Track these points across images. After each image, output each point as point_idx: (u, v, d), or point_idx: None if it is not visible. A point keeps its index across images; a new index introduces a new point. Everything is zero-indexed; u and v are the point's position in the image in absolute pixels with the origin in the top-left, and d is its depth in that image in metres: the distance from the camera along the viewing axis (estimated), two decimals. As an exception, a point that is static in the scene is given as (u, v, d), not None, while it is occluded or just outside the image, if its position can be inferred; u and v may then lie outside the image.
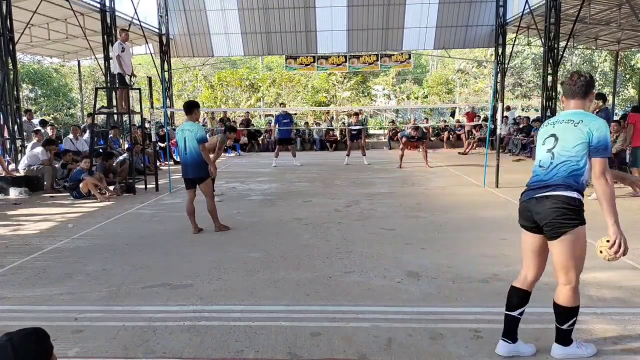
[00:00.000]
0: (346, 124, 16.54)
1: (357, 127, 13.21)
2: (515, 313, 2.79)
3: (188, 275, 4.20)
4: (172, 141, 14.99)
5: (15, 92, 9.96)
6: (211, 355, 2.85)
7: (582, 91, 2.79)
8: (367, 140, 18.70)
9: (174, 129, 16.97)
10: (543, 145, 2.78)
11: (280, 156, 12.95)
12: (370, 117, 25.05)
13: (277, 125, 13.55)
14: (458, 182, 9.36)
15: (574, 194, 2.75)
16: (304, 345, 2.93)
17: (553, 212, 2.65)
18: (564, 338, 2.71)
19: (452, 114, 24.56)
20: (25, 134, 10.47)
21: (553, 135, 2.73)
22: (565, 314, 2.68)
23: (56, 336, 3.09)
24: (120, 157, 10.19)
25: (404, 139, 11.85)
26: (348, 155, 13.06)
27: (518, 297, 2.80)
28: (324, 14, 18.39)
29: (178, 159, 14.45)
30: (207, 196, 5.69)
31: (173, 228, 5.99)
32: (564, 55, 17.77)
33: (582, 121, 2.64)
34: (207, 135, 5.56)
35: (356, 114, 14.01)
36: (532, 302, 3.51)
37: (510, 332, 2.79)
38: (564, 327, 2.70)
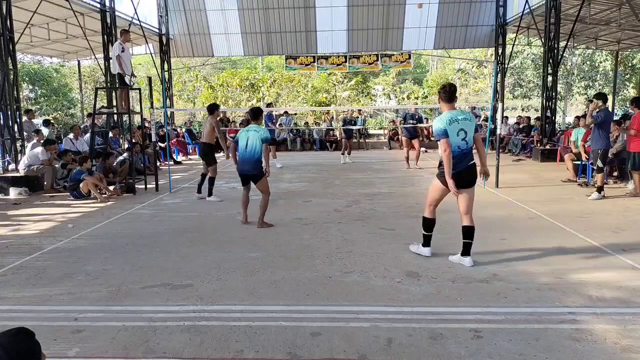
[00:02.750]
0: (341, 121, 16.61)
1: (351, 127, 13.25)
2: (432, 232, 4.63)
3: (188, 275, 4.20)
4: (172, 141, 15.02)
5: (15, 92, 9.95)
6: (211, 355, 2.85)
7: (455, 96, 4.44)
8: (367, 140, 18.77)
9: (174, 129, 17.03)
10: (457, 136, 4.26)
11: (278, 157, 12.99)
12: (370, 117, 25.04)
13: (270, 125, 13.57)
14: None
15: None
16: (304, 345, 2.93)
17: (475, 172, 4.37)
18: (468, 249, 4.38)
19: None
20: (25, 134, 10.46)
21: (462, 129, 4.27)
22: (473, 231, 4.35)
23: (56, 336, 3.09)
24: (120, 157, 10.19)
25: (404, 139, 11.88)
26: (343, 154, 13.10)
27: (434, 224, 4.60)
28: (324, 14, 18.40)
29: (178, 159, 14.66)
30: (264, 193, 6.02)
31: (173, 228, 5.99)
32: (564, 55, 17.78)
33: (469, 118, 4.35)
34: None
35: (359, 111, 14.08)
36: (532, 302, 3.52)
37: (429, 242, 4.63)
38: (472, 241, 4.37)
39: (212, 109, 7.79)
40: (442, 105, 4.43)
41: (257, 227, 5.93)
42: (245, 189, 6.15)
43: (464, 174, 4.26)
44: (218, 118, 8.19)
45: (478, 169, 4.40)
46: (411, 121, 11.86)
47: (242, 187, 6.22)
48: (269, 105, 18.70)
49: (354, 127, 13.30)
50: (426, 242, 4.63)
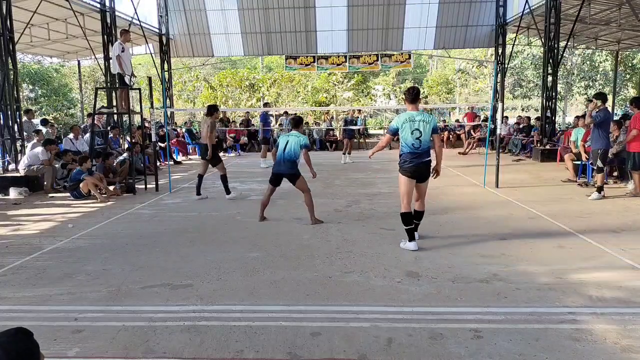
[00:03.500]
0: (341, 122, 16.58)
1: (352, 127, 13.21)
2: (412, 226, 4.93)
3: (188, 275, 4.20)
4: (172, 141, 15.02)
5: (15, 92, 9.95)
6: (211, 355, 2.85)
7: (418, 98, 4.96)
8: (367, 140, 18.76)
9: (174, 129, 17.03)
10: (412, 135, 4.81)
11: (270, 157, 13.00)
12: (370, 117, 25.04)
13: (262, 125, 13.43)
14: (458, 182, 9.35)
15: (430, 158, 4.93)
16: (304, 345, 2.93)
17: (428, 169, 4.92)
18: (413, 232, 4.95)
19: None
20: (25, 134, 10.46)
21: (417, 129, 4.81)
22: (422, 215, 5.13)
23: (56, 336, 3.09)
24: (120, 157, 10.19)
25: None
26: (344, 154, 13.06)
27: (411, 216, 4.93)
28: (324, 14, 18.40)
29: (178, 159, 14.66)
30: (305, 191, 6.19)
31: (173, 228, 5.99)
32: (564, 55, 17.78)
33: (427, 120, 4.85)
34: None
35: (358, 111, 14.05)
36: (532, 302, 3.52)
37: (413, 234, 4.93)
38: (419, 222, 5.13)
39: (211, 110, 7.90)
40: (407, 105, 5.03)
41: (311, 225, 6.06)
42: (270, 189, 6.33)
43: (419, 167, 4.85)
44: (217, 119, 8.24)
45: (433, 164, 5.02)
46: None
47: (268, 187, 6.36)
48: (265, 104, 18.63)
49: (354, 127, 13.26)
50: (410, 236, 4.89)
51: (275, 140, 17.20)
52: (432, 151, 4.92)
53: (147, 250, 5.01)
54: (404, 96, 5.07)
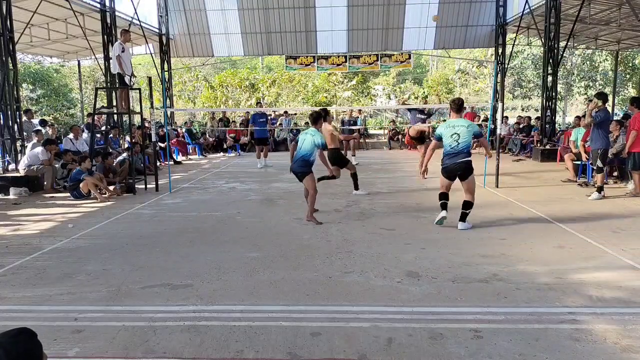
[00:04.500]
0: (343, 123, 16.46)
1: (352, 127, 13.12)
2: (447, 200, 5.77)
3: (188, 275, 4.20)
4: (172, 141, 15.02)
5: (15, 92, 9.95)
6: (211, 355, 2.85)
7: (462, 108, 5.87)
8: (367, 140, 18.75)
9: (174, 129, 17.02)
10: (451, 137, 5.58)
11: (270, 156, 13.02)
12: (370, 117, 25.03)
13: (253, 125, 13.22)
14: (458, 182, 9.34)
15: (470, 158, 5.62)
16: (304, 345, 2.93)
17: (466, 167, 5.59)
18: (465, 217, 5.66)
19: None
20: (25, 134, 10.46)
21: (456, 133, 5.56)
22: (471, 206, 5.66)
23: (56, 336, 3.09)
24: (120, 157, 10.19)
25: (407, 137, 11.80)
26: (353, 155, 12.75)
27: (446, 197, 5.79)
28: (324, 14, 18.39)
29: (178, 159, 14.66)
30: (311, 190, 6.31)
31: (173, 228, 5.99)
32: (564, 55, 17.78)
33: (467, 126, 5.62)
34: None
35: (359, 111, 13.98)
36: (532, 302, 3.52)
37: (445, 207, 5.73)
38: (468, 211, 5.66)
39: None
40: (451, 113, 5.84)
41: (305, 220, 6.21)
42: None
43: (451, 167, 5.61)
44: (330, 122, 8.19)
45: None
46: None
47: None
48: (258, 104, 18.43)
49: (354, 127, 13.16)
50: (443, 208, 5.76)
51: (274, 141, 17.21)
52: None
53: (147, 250, 5.01)
54: (450, 105, 5.85)
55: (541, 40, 15.46)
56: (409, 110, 11.15)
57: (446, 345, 2.89)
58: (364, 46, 19.24)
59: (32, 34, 14.74)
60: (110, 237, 5.62)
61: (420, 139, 10.16)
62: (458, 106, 5.78)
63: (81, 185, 8.10)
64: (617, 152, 8.55)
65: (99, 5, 13.65)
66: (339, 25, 18.66)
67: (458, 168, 5.56)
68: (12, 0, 9.93)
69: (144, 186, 9.11)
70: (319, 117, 6.56)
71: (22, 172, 9.19)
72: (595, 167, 7.78)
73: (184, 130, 17.17)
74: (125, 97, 9.48)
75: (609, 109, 18.47)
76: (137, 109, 9.92)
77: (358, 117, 17.35)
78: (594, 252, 4.72)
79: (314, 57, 19.38)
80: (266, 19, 18.56)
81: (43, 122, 12.92)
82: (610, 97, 22.50)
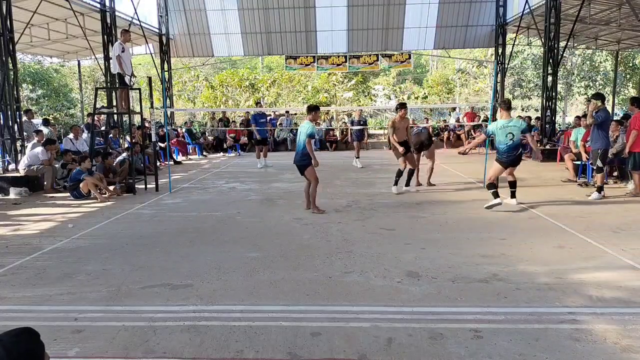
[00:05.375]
0: (348, 123, 16.32)
1: (360, 127, 13.03)
2: (496, 190, 6.61)
3: (188, 275, 4.20)
4: (172, 141, 15.01)
5: (15, 92, 9.95)
6: (211, 355, 2.85)
7: (511, 107, 6.81)
8: (367, 141, 18.73)
9: (174, 129, 17.02)
10: (506, 137, 6.54)
11: (270, 156, 13.02)
12: (370, 117, 25.04)
13: (254, 125, 13.14)
14: (458, 182, 9.36)
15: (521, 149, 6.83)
16: (304, 345, 2.93)
17: (519, 158, 6.79)
18: (515, 193, 6.88)
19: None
20: (25, 134, 10.46)
21: (510, 132, 6.52)
22: (515, 184, 6.86)
23: (56, 336, 3.10)
24: (120, 157, 10.19)
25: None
26: (358, 157, 12.42)
27: (495, 186, 6.64)
28: (324, 14, 18.40)
29: (178, 159, 14.66)
30: (312, 180, 6.68)
31: (173, 228, 5.99)
32: (564, 55, 17.77)
33: (517, 125, 6.61)
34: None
35: (359, 111, 13.93)
36: (532, 302, 3.52)
37: (497, 194, 6.59)
38: (515, 189, 6.87)
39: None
40: (502, 112, 6.71)
41: (311, 212, 6.65)
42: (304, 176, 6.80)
43: (512, 158, 6.68)
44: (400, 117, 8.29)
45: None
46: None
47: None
48: (257, 104, 18.38)
49: (363, 127, 13.03)
50: (495, 196, 6.55)
51: (274, 141, 17.18)
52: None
53: (147, 250, 5.01)
54: (501, 106, 6.79)
55: (541, 40, 15.47)
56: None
57: (446, 345, 2.89)
58: (364, 46, 19.24)
59: (32, 34, 14.73)
60: (110, 237, 5.62)
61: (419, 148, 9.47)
62: (508, 106, 6.71)
63: (81, 185, 8.10)
64: (617, 152, 8.55)
65: (99, 5, 13.65)
66: (339, 25, 18.67)
67: (516, 160, 6.68)
68: (12, 0, 9.93)
69: (144, 186, 9.11)
70: (311, 109, 6.83)
71: (22, 172, 9.19)
72: (595, 167, 7.78)
73: (184, 130, 17.17)
74: (125, 97, 9.48)
75: (609, 109, 18.48)
76: (137, 109, 9.92)
77: (366, 117, 17.27)
78: (594, 252, 4.72)
79: (314, 57, 19.38)
80: (266, 19, 18.56)
81: (46, 122, 12.90)
82: (610, 97, 22.52)
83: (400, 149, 8.00)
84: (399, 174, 8.14)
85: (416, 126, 10.00)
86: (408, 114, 9.23)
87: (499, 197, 6.52)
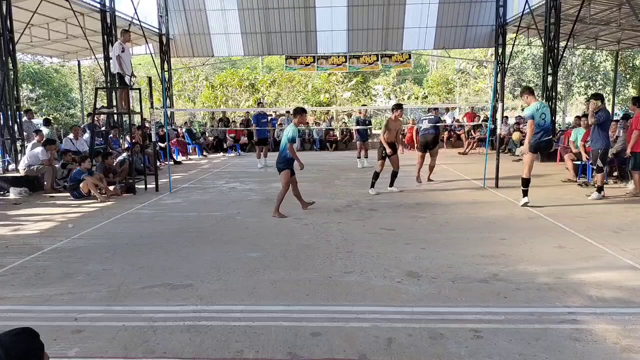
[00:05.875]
0: (349, 123, 16.27)
1: (365, 127, 12.97)
2: (528, 188, 6.90)
3: (188, 275, 4.20)
4: (172, 141, 15.01)
5: (15, 92, 9.95)
6: (211, 355, 2.85)
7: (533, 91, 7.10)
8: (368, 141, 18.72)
9: (175, 129, 17.02)
10: (540, 117, 6.73)
11: (270, 156, 13.00)
12: (370, 117, 25.03)
13: (254, 125, 13.11)
14: (458, 182, 9.36)
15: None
16: (304, 345, 2.93)
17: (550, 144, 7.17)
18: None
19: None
20: (25, 134, 10.46)
21: (544, 112, 6.73)
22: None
23: (56, 336, 3.09)
24: (120, 157, 10.19)
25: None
26: (359, 157, 12.30)
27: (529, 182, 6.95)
28: (324, 14, 18.40)
29: (178, 159, 14.65)
30: (282, 185, 6.64)
31: (173, 228, 5.99)
32: (564, 55, 17.77)
33: (546, 105, 6.96)
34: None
35: (359, 111, 13.90)
36: (532, 302, 3.52)
37: (526, 193, 6.91)
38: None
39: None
40: (529, 97, 6.88)
41: (270, 215, 6.52)
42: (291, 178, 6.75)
43: (547, 141, 6.91)
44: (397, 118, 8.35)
45: None
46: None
47: None
48: (259, 104, 18.45)
49: (367, 127, 12.99)
50: (524, 194, 6.86)
51: (274, 141, 17.20)
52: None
53: (147, 250, 5.01)
54: (527, 92, 6.93)
55: (541, 40, 15.46)
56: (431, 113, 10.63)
57: (446, 345, 2.89)
58: (364, 46, 19.24)
59: (32, 34, 14.74)
60: (110, 237, 5.62)
61: (423, 148, 9.53)
62: (531, 90, 7.01)
63: (81, 185, 8.10)
64: (617, 152, 8.55)
65: (99, 5, 13.65)
66: (339, 25, 18.67)
67: (551, 143, 7.12)
68: (12, 0, 9.93)
69: (144, 186, 9.11)
70: (297, 112, 6.70)
71: (22, 172, 9.19)
72: (595, 167, 7.78)
73: (184, 130, 17.18)
74: (125, 97, 9.48)
75: (609, 109, 18.47)
76: (137, 109, 9.93)
77: (370, 117, 17.24)
78: (594, 252, 4.72)
79: (314, 57, 19.38)
80: (266, 19, 18.56)
81: (47, 122, 12.90)
82: (610, 97, 22.52)
83: (388, 150, 8.00)
84: (376, 176, 8.17)
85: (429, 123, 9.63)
86: (408, 114, 9.22)
87: (526, 195, 6.84)
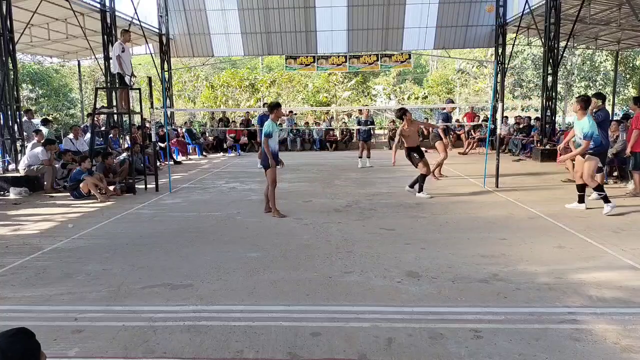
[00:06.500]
0: (349, 123, 16.25)
1: (367, 127, 12.94)
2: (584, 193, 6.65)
3: (188, 275, 4.20)
4: (172, 141, 15.01)
5: (15, 92, 9.95)
6: (211, 355, 2.85)
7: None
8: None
9: (174, 129, 17.03)
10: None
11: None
12: (372, 117, 25.03)
13: (257, 126, 13.08)
14: (458, 182, 9.36)
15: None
16: (304, 345, 2.93)
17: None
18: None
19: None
20: (25, 134, 10.46)
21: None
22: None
23: (56, 336, 3.09)
24: (120, 157, 10.19)
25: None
26: (361, 157, 12.25)
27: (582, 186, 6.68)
28: (324, 14, 18.40)
29: (178, 159, 14.65)
30: (269, 183, 6.49)
31: (173, 228, 5.99)
32: (564, 55, 17.77)
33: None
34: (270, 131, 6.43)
35: (359, 111, 13.88)
36: (532, 302, 3.52)
37: (607, 198, 6.44)
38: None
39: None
40: (581, 112, 6.49)
41: (271, 215, 6.48)
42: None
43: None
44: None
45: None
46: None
47: None
48: (264, 105, 18.51)
49: (369, 127, 12.96)
50: (605, 200, 6.43)
51: (284, 140, 17.14)
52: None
53: (147, 250, 5.01)
54: (579, 104, 6.54)
55: (541, 40, 15.46)
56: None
57: (446, 345, 2.89)
58: (364, 46, 19.24)
59: (32, 34, 14.74)
60: (110, 237, 5.62)
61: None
62: (587, 104, 6.61)
63: (81, 185, 8.09)
64: (617, 152, 8.55)
65: (99, 5, 13.65)
66: (339, 25, 18.67)
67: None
68: (12, 0, 9.93)
69: (144, 186, 9.11)
70: (271, 106, 6.58)
71: (22, 172, 9.19)
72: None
73: (184, 130, 17.18)
74: (125, 97, 9.48)
75: (609, 109, 18.46)
76: (137, 109, 9.92)
77: (373, 117, 17.23)
78: (594, 252, 4.72)
79: (314, 57, 19.38)
80: (266, 19, 18.56)
81: (45, 122, 12.89)
82: (610, 97, 22.51)
83: (417, 158, 7.80)
84: (422, 178, 7.85)
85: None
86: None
87: (609, 200, 6.40)
